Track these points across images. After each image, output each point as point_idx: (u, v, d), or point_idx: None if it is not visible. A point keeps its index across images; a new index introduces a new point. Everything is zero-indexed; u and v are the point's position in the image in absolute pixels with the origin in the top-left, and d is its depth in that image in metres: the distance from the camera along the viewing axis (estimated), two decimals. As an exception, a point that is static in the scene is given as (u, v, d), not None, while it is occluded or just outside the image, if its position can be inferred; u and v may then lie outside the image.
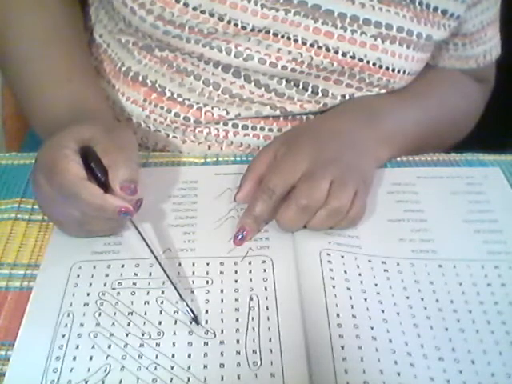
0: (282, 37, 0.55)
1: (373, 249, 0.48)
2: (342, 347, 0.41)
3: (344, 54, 0.55)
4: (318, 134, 0.53)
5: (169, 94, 0.60)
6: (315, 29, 0.54)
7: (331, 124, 0.56)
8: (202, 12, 0.53)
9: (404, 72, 0.57)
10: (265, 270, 0.47)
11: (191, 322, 0.43)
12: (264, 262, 0.47)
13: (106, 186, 0.45)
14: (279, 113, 0.59)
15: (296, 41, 0.55)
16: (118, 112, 0.62)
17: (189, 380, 0.40)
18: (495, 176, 0.56)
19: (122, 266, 0.47)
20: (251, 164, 0.52)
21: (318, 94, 0.58)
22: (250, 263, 0.47)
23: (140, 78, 0.60)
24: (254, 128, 0.60)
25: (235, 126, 0.60)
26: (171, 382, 0.40)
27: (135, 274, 0.47)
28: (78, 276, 0.47)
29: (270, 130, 0.61)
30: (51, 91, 0.56)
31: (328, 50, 0.55)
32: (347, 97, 0.59)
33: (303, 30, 0.54)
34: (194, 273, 0.47)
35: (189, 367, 0.41)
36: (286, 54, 0.55)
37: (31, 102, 0.57)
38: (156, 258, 0.45)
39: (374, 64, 0.56)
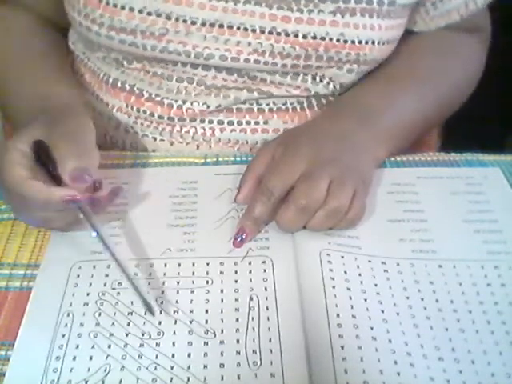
0: (238, 28, 0.54)
1: (373, 249, 0.48)
2: (342, 347, 0.41)
3: (305, 36, 0.54)
4: (315, 135, 0.53)
5: (147, 95, 0.60)
6: (271, 15, 0.54)
7: (329, 124, 0.55)
8: (149, 14, 0.53)
9: (373, 42, 0.56)
10: (265, 271, 0.47)
11: (145, 313, 0.43)
12: (264, 262, 0.47)
13: (60, 180, 0.46)
14: (257, 95, 0.59)
15: (254, 31, 0.54)
16: (105, 122, 0.62)
17: (189, 380, 0.40)
18: (495, 176, 0.56)
19: (122, 265, 0.47)
20: (250, 165, 0.52)
21: (288, 74, 0.58)
22: (249, 263, 0.47)
23: (119, 84, 0.61)
24: (239, 123, 0.60)
25: (220, 122, 0.60)
26: (171, 381, 0.40)
27: (135, 274, 0.47)
28: (78, 276, 0.47)
29: (257, 123, 0.60)
30: (15, 89, 0.57)
31: (287, 34, 0.54)
32: (318, 78, 0.58)
33: (259, 18, 0.54)
34: (193, 273, 0.47)
35: (189, 367, 0.41)
36: (246, 47, 0.55)
37: (2, 101, 0.60)
38: (107, 246, 0.45)
39: (337, 40, 0.55)
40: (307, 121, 0.60)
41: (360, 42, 0.56)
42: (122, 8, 0.53)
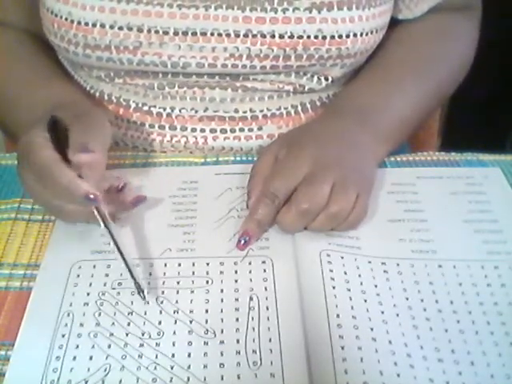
0: (212, 34, 0.54)
1: (373, 249, 0.48)
2: (342, 348, 0.41)
3: (281, 36, 0.54)
4: (317, 136, 0.53)
5: (134, 106, 0.60)
6: (245, 18, 0.53)
7: (329, 125, 0.55)
8: (120, 28, 0.53)
9: (355, 35, 0.55)
10: (265, 271, 0.47)
11: (139, 293, 0.44)
12: (264, 262, 0.47)
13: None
14: (242, 92, 0.59)
15: (228, 35, 0.54)
16: None
17: (189, 380, 0.40)
18: (495, 176, 0.56)
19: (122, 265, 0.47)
20: (254, 168, 0.52)
21: (268, 73, 0.57)
22: (249, 263, 0.47)
23: (105, 97, 0.61)
24: (232, 130, 0.60)
25: (213, 131, 0.60)
26: (171, 381, 0.40)
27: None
28: (78, 276, 0.47)
29: (250, 130, 0.60)
30: (25, 99, 0.57)
31: (263, 36, 0.53)
32: (301, 73, 0.58)
33: (232, 22, 0.53)
34: (193, 273, 0.47)
35: (189, 367, 0.41)
36: (222, 52, 0.54)
37: (8, 115, 0.59)
38: (117, 244, 0.45)
39: (315, 37, 0.54)
40: (308, 122, 0.60)
41: (340, 37, 0.54)
42: (94, 25, 0.54)
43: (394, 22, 0.62)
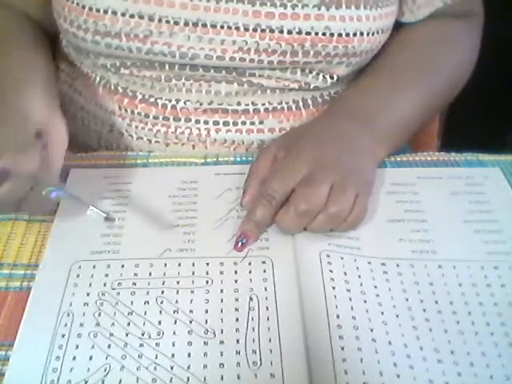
0: (222, 27, 0.54)
1: (372, 250, 0.48)
2: (342, 348, 0.41)
3: (289, 32, 0.54)
4: (316, 137, 0.53)
5: (140, 97, 0.60)
6: (254, 12, 0.54)
7: (329, 126, 0.55)
8: (131, 16, 0.53)
9: (362, 34, 0.56)
10: (265, 271, 0.47)
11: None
12: (264, 262, 0.47)
13: None
14: (247, 87, 0.59)
15: (237, 28, 0.54)
16: (99, 125, 0.62)
17: (188, 380, 0.40)
18: (495, 176, 0.56)
19: (122, 266, 0.47)
20: (253, 167, 0.52)
21: (274, 69, 0.58)
22: (249, 264, 0.47)
23: (111, 87, 0.61)
24: (235, 123, 0.60)
25: (216, 123, 0.60)
26: (171, 381, 0.40)
27: (135, 274, 0.47)
28: (78, 276, 0.47)
29: (252, 123, 0.60)
30: None
31: (272, 31, 0.54)
32: (307, 70, 0.58)
33: (242, 16, 0.54)
34: (193, 273, 0.47)
35: (188, 367, 0.41)
36: (230, 45, 0.55)
37: None
38: None
39: (323, 34, 0.54)
40: (307, 122, 0.60)
41: (347, 35, 0.55)
42: (105, 12, 0.53)
43: (396, 26, 0.63)
